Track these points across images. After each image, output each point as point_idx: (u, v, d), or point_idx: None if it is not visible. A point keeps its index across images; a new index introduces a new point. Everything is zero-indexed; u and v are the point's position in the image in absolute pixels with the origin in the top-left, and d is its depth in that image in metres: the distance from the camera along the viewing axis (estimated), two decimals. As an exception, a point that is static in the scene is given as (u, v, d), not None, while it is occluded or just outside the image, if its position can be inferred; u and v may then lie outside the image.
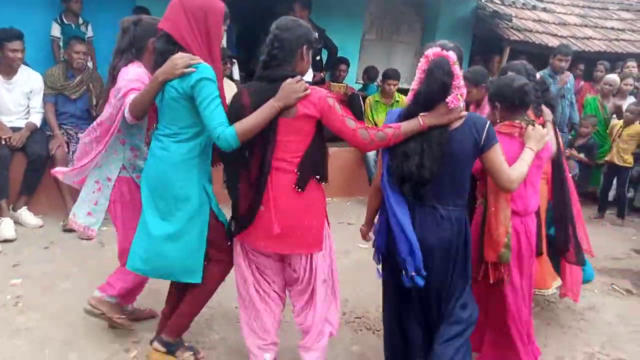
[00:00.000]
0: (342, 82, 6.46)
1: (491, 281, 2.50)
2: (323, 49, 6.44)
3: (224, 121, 2.19)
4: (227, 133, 2.16)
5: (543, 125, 2.78)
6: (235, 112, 2.23)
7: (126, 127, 2.56)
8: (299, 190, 2.27)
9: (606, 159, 5.92)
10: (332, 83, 6.49)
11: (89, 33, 5.28)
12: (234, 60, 5.31)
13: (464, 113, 2.25)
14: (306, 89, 2.20)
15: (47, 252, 3.80)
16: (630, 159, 5.70)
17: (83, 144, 2.71)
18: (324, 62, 6.44)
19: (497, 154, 2.29)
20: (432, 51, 2.23)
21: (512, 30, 7.42)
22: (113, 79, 2.59)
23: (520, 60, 7.04)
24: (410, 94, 2.32)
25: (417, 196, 2.25)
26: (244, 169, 2.33)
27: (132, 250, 2.46)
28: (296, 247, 2.33)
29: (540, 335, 3.28)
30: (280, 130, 2.22)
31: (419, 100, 2.24)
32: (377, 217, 2.50)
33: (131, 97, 2.38)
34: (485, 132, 2.24)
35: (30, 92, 4.38)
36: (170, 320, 2.56)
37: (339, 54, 6.61)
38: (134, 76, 2.48)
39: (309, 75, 6.04)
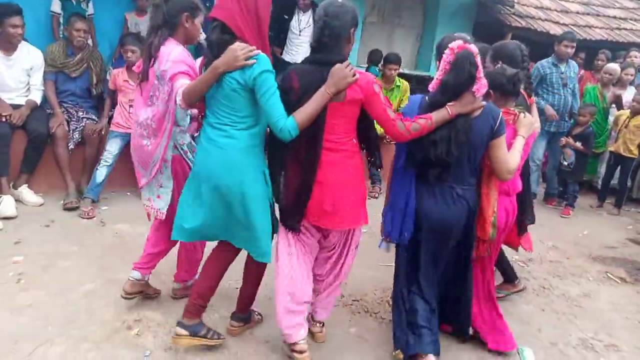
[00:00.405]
0: None
1: (474, 256, 2.75)
2: None
3: (284, 113, 2.24)
4: (289, 125, 2.22)
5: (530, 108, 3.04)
6: (283, 95, 2.27)
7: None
8: (371, 167, 2.60)
9: (611, 149, 5.95)
10: None
11: (90, 10, 5.23)
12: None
13: (484, 103, 2.43)
14: (355, 74, 2.27)
15: (47, 231, 3.81)
16: (635, 150, 5.72)
17: (140, 146, 2.67)
18: None
19: (503, 144, 2.50)
20: (456, 44, 2.38)
21: (514, 16, 7.39)
22: (150, 57, 2.54)
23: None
24: (434, 83, 2.47)
25: (439, 178, 2.49)
26: (291, 151, 2.41)
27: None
28: (346, 222, 2.49)
29: (535, 321, 3.33)
30: (328, 113, 2.31)
31: (447, 90, 2.40)
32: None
33: (180, 81, 2.36)
34: (499, 121, 2.46)
35: (31, 69, 4.34)
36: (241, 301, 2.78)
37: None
38: (177, 57, 2.45)
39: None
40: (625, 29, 8.25)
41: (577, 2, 8.77)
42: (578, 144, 5.68)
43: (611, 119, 6.15)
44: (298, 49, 6.01)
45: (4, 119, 4.06)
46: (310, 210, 2.42)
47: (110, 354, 2.55)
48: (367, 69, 6.82)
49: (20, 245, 3.53)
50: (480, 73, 2.40)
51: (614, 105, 6.18)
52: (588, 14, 8.45)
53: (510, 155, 2.55)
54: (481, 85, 2.41)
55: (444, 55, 2.43)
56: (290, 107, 2.25)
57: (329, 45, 2.33)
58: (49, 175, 4.36)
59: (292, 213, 2.46)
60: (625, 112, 5.90)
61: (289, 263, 2.56)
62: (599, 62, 6.66)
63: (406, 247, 2.65)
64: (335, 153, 2.40)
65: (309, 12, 6.09)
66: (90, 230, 3.90)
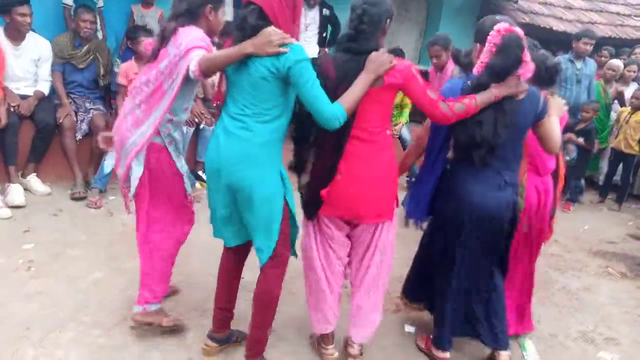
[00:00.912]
0: None
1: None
2: (328, 25, 6.44)
3: (329, 101, 2.15)
4: (338, 112, 2.15)
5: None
6: (320, 83, 2.19)
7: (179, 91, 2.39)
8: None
9: (612, 145, 5.99)
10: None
11: (100, 3, 5.25)
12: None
13: (527, 85, 2.43)
14: (392, 61, 2.25)
15: (56, 220, 3.86)
16: (636, 145, 5.76)
17: (132, 110, 2.48)
18: (327, 38, 6.44)
19: (551, 122, 2.54)
20: (502, 26, 2.37)
21: (517, 12, 7.40)
22: (162, 39, 2.42)
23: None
24: (479, 66, 2.42)
25: (484, 161, 2.43)
26: (319, 140, 2.38)
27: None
28: (370, 215, 2.42)
29: (535, 314, 3.36)
30: (363, 100, 2.26)
31: (493, 72, 2.37)
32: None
33: (197, 51, 2.23)
34: (542, 102, 2.49)
35: (39, 59, 4.38)
36: (248, 340, 2.50)
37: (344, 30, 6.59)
38: (197, 36, 2.34)
39: (314, 51, 6.06)
40: (629, 26, 8.25)
41: (581, -2, 8.77)
42: (580, 140, 5.71)
43: (613, 115, 6.19)
44: (304, 44, 6.03)
45: (12, 109, 4.10)
46: (332, 201, 2.37)
47: (120, 339, 2.60)
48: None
49: (30, 233, 3.58)
50: (527, 57, 2.39)
51: (616, 102, 6.22)
52: (592, 10, 8.45)
53: (556, 132, 2.59)
54: (527, 70, 2.39)
55: (489, 37, 2.37)
56: (327, 95, 2.19)
57: (366, 33, 2.28)
58: (56, 165, 4.41)
59: (310, 202, 2.45)
60: (627, 109, 5.93)
61: (315, 256, 2.55)
62: (602, 59, 6.67)
63: (445, 234, 2.60)
64: (366, 144, 2.33)
65: (316, 8, 6.11)
66: (98, 219, 3.95)
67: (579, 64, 5.76)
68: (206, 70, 2.18)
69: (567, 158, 5.84)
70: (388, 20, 2.34)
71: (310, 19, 6.04)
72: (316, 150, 2.41)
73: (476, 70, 2.46)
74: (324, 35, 6.28)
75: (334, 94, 2.21)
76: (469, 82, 2.46)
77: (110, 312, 2.80)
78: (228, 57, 2.14)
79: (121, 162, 2.54)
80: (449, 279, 2.62)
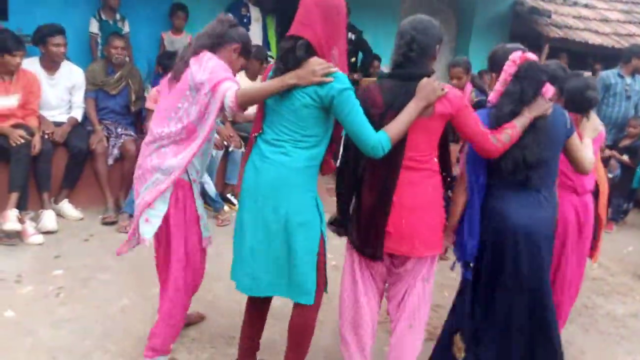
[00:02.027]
0: (374, 78, 6.47)
1: None
2: (359, 51, 6.44)
3: (373, 130, 2.11)
4: (383, 141, 2.09)
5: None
6: (365, 110, 2.15)
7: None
8: (447, 190, 2.43)
9: None
10: (363, 78, 6.55)
11: (126, 29, 5.38)
12: (270, 60, 5.34)
13: (551, 103, 2.41)
14: (443, 88, 2.18)
15: (86, 245, 3.90)
16: None
17: (158, 147, 2.40)
18: (358, 64, 6.44)
19: (577, 140, 2.54)
20: (516, 56, 2.38)
21: (551, 26, 7.25)
22: (184, 59, 2.37)
23: (560, 57, 6.91)
24: (495, 94, 2.42)
25: (528, 183, 2.38)
26: (367, 170, 2.30)
27: (237, 269, 2.36)
28: (422, 249, 2.29)
29: (578, 342, 3.21)
30: (411, 129, 2.19)
31: (517, 98, 2.35)
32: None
33: (228, 83, 2.20)
34: (569, 118, 2.48)
35: (73, 87, 4.48)
36: None
37: (375, 51, 6.60)
38: (218, 65, 2.30)
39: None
40: (670, 37, 7.98)
41: (618, 10, 8.54)
42: (625, 157, 5.49)
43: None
44: None
45: (46, 136, 4.19)
46: (386, 235, 2.26)
47: (145, 369, 2.56)
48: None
49: (60, 259, 3.61)
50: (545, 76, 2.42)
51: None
52: (630, 22, 8.22)
53: (585, 152, 2.57)
54: (548, 88, 2.40)
55: (505, 68, 2.38)
56: (373, 123, 2.13)
57: (414, 60, 2.22)
58: (88, 190, 4.47)
59: (368, 239, 2.29)
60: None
61: (353, 289, 2.44)
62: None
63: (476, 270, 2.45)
64: (416, 172, 2.26)
65: None
66: (127, 244, 3.96)
67: (628, 80, 5.58)
68: (244, 104, 2.15)
69: (610, 175, 5.62)
70: (437, 46, 2.29)
71: None
72: (366, 183, 2.31)
73: (493, 97, 2.44)
74: (354, 60, 6.26)
75: (380, 122, 2.16)
76: (493, 111, 2.40)
77: (136, 341, 2.77)
78: (269, 90, 2.13)
79: (140, 197, 2.45)
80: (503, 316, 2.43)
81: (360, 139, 2.10)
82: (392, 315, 2.49)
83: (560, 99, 2.79)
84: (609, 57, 7.36)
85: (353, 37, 6.22)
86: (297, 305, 2.33)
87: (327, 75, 2.07)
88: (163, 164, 2.37)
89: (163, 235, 2.51)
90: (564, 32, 7.22)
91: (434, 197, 2.32)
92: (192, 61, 2.35)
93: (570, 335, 3.29)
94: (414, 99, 2.15)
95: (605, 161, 5.68)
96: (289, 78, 2.09)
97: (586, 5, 8.27)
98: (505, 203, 2.40)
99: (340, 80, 2.09)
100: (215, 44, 2.43)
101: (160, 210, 2.40)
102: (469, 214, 2.44)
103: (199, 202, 2.54)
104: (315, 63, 2.09)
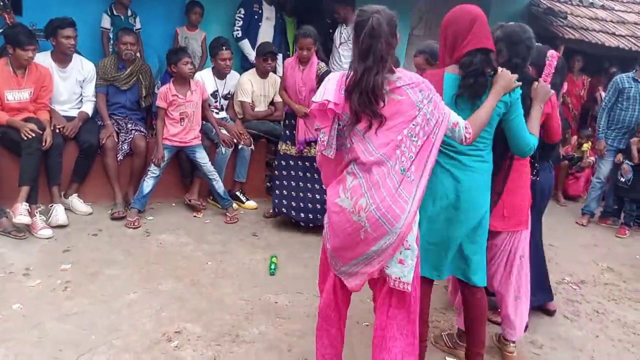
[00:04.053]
0: None
1: None
2: None
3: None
4: (534, 141, 2.42)
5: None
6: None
7: None
8: (534, 175, 3.00)
9: None
10: None
11: (138, 25, 5.37)
12: (277, 56, 5.32)
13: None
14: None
15: (95, 239, 3.90)
16: None
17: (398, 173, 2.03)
18: None
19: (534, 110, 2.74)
20: (553, 52, 2.89)
21: (567, 28, 7.15)
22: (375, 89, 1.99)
23: (575, 59, 6.80)
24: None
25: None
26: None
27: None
28: (516, 225, 2.79)
29: (588, 348, 3.16)
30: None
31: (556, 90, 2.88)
32: None
33: (451, 111, 2.15)
34: None
35: (83, 80, 4.50)
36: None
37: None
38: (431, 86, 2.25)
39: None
40: (688, 40, 7.84)
41: (636, 12, 8.41)
42: (635, 150, 5.42)
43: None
44: (341, 61, 6.01)
45: (57, 131, 4.21)
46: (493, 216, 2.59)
47: (150, 365, 2.57)
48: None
49: (69, 253, 3.62)
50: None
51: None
52: (647, 24, 8.09)
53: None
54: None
55: (550, 62, 2.83)
56: None
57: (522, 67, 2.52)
58: (97, 185, 4.48)
59: None
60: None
61: None
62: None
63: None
64: (516, 160, 2.65)
65: (351, 27, 6.08)
66: (135, 239, 3.97)
67: None
68: (478, 135, 2.23)
69: (623, 179, 5.55)
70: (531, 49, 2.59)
71: (344, 37, 6.01)
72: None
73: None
74: None
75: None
76: None
77: (141, 336, 2.77)
78: (490, 112, 2.25)
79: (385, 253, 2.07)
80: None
81: (522, 138, 2.37)
82: (498, 289, 2.89)
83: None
84: (625, 59, 7.25)
85: None
86: (476, 292, 2.55)
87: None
88: (410, 196, 2.11)
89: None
90: (579, 34, 7.12)
91: (526, 180, 2.78)
92: None
93: (580, 340, 3.24)
94: (493, 90, 2.26)
95: (618, 166, 5.61)
96: (499, 91, 2.26)
97: (603, 7, 8.16)
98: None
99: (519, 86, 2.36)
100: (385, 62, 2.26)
101: (413, 245, 2.11)
102: None
103: None
104: (508, 72, 2.29)
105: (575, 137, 6.99)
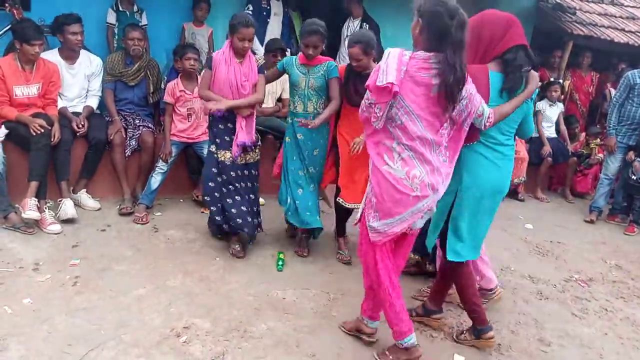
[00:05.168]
0: None
1: None
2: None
3: None
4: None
5: None
6: None
7: None
8: None
9: None
10: None
11: (144, 21, 5.37)
12: (287, 51, 5.30)
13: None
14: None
15: (103, 235, 3.92)
16: None
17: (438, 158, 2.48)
18: None
19: None
20: None
21: (575, 24, 7.10)
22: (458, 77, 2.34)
23: (584, 56, 6.75)
24: None
25: None
26: None
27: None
28: None
29: (596, 346, 3.15)
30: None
31: None
32: None
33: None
34: None
35: (91, 74, 4.51)
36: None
37: (393, 45, 6.52)
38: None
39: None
40: (698, 36, 7.77)
41: (645, 8, 8.35)
42: None
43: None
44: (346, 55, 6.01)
45: (77, 127, 4.24)
46: None
47: (159, 360, 2.57)
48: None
49: (78, 248, 3.64)
50: None
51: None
52: (657, 20, 8.02)
53: None
54: None
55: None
56: None
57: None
58: (106, 180, 4.50)
59: None
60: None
61: None
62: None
63: None
64: None
65: (358, 20, 6.07)
66: (143, 235, 3.98)
67: None
68: (496, 123, 2.54)
69: (634, 177, 5.52)
70: None
71: (352, 30, 6.00)
72: None
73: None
74: None
75: None
76: None
77: (150, 331, 2.78)
78: (515, 107, 2.57)
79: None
80: None
81: (529, 128, 2.81)
82: None
83: None
84: (634, 55, 7.21)
85: (367, 26, 6.15)
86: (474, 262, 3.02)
87: None
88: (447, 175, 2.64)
89: None
90: (588, 30, 7.07)
91: None
92: None
93: (589, 338, 3.24)
94: (526, 90, 2.57)
95: (627, 163, 5.57)
96: (531, 91, 2.59)
97: (612, 2, 8.09)
98: None
99: None
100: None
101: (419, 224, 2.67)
102: None
103: None
104: (536, 74, 2.62)
105: (583, 134, 6.95)
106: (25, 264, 3.34)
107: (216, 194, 3.73)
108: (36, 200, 3.82)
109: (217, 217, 3.75)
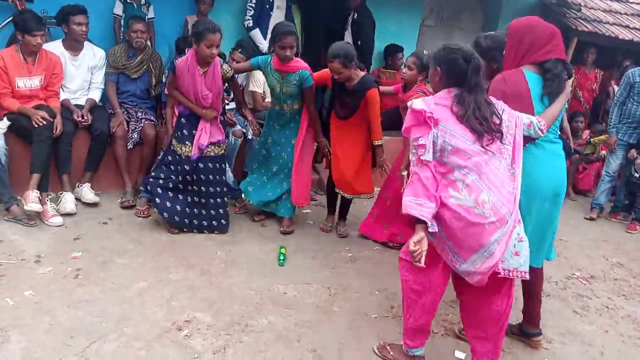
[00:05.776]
0: (395, 70, 6.38)
1: None
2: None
3: None
4: None
5: None
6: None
7: None
8: None
9: None
10: (381, 69, 6.49)
11: (150, 14, 5.35)
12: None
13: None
14: None
15: (105, 228, 3.92)
16: None
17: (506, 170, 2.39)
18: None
19: None
20: None
21: (580, 20, 7.06)
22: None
23: (588, 52, 6.70)
24: None
25: None
26: None
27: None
28: None
29: (597, 343, 3.15)
30: None
31: None
32: None
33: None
34: None
35: (95, 67, 4.51)
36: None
37: (396, 41, 6.52)
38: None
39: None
40: (703, 34, 7.73)
41: (650, 4, 8.30)
42: None
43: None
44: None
45: (80, 119, 4.24)
46: None
47: (160, 353, 2.57)
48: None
49: (79, 241, 3.64)
50: None
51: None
52: (662, 17, 7.98)
53: None
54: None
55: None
56: None
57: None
58: (107, 173, 4.49)
59: None
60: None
61: None
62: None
63: None
64: None
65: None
66: (145, 229, 3.98)
67: None
68: (549, 127, 2.63)
69: (637, 175, 5.51)
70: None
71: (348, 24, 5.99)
72: None
73: None
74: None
75: None
76: None
77: (152, 325, 2.78)
78: (560, 109, 2.69)
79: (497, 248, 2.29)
80: None
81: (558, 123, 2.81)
82: None
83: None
84: (639, 53, 7.18)
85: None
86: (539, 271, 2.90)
87: None
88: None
89: None
90: (593, 26, 7.03)
91: None
92: None
93: (590, 335, 3.23)
94: (564, 94, 2.69)
95: (629, 161, 5.56)
96: (568, 95, 2.74)
97: (617, -1, 8.06)
98: None
99: None
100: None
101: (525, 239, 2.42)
102: None
103: None
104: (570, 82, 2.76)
105: (587, 132, 6.93)
106: (27, 256, 3.34)
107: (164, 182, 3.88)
108: (38, 192, 3.82)
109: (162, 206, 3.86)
